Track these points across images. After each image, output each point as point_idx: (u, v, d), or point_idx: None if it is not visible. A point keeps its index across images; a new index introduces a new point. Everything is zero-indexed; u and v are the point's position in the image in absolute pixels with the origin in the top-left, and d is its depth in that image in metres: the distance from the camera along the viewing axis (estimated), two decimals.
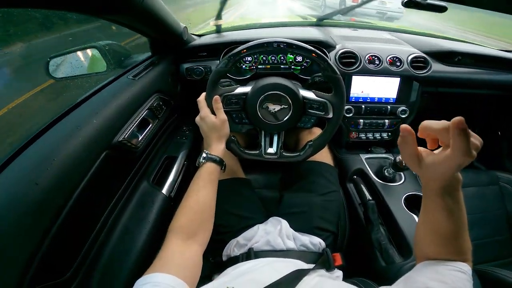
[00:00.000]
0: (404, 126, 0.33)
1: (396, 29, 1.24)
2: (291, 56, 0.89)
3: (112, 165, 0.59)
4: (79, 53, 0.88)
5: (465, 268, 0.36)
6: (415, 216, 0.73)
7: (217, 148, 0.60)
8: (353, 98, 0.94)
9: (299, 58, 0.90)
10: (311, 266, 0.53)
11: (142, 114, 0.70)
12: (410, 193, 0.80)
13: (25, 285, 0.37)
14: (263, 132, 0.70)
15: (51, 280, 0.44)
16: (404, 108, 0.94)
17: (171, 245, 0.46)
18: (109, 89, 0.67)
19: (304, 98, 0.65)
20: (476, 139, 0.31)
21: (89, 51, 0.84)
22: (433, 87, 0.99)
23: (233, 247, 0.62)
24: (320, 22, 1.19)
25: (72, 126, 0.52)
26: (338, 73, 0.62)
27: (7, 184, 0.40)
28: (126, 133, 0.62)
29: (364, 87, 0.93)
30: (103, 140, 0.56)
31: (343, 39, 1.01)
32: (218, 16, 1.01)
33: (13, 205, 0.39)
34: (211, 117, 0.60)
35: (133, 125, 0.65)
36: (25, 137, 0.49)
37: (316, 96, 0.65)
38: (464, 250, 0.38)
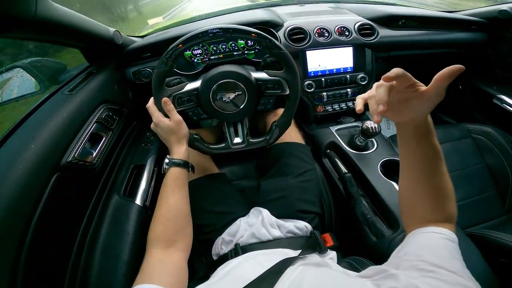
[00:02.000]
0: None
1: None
2: (242, 41, 0.86)
3: (68, 186, 0.57)
4: (5, 75, 0.78)
5: (453, 237, 0.36)
6: (394, 184, 0.73)
7: (179, 151, 0.58)
8: (312, 72, 0.94)
9: (251, 43, 0.87)
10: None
11: (90, 129, 0.65)
12: (385, 158, 0.80)
13: None
14: (225, 123, 0.67)
15: None
16: (362, 75, 0.96)
17: (152, 255, 0.46)
18: (43, 109, 0.61)
19: (257, 80, 0.63)
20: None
21: (13, 72, 0.75)
22: (385, 52, 1.01)
23: (220, 245, 0.60)
24: (266, 3, 1.17)
25: (10, 155, 0.49)
26: (283, 48, 0.60)
27: None
28: (76, 152, 0.58)
29: (320, 60, 0.93)
30: (50, 163, 0.53)
31: (291, 15, 1.00)
32: (165, 14, 0.94)
33: None
34: (165, 121, 0.58)
35: (82, 142, 0.61)
36: None
37: (269, 75, 0.63)
38: (448, 196, 0.39)
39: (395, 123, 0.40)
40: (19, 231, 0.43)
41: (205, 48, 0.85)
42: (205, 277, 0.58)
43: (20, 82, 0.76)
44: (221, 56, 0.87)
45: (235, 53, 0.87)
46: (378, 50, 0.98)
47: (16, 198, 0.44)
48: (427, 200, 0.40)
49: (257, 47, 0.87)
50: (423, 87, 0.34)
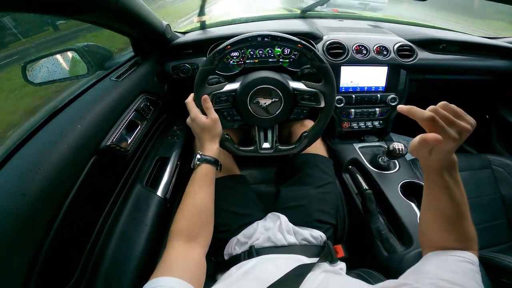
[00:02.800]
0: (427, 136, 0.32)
1: (380, 18, 1.25)
2: (279, 49, 0.88)
3: (102, 170, 0.58)
4: (57, 57, 0.83)
5: (473, 259, 0.37)
6: (412, 204, 0.74)
7: (211, 148, 0.59)
8: (343, 88, 0.94)
9: (287, 51, 0.88)
10: (314, 260, 0.53)
11: (130, 116, 0.68)
12: (406, 180, 0.80)
13: None
14: (256, 128, 0.68)
15: None
16: (393, 96, 0.95)
17: (174, 248, 0.46)
18: (92, 92, 0.64)
19: (294, 89, 0.64)
20: (467, 122, 0.33)
21: (67, 54, 0.80)
22: (420, 74, 1.00)
23: (233, 246, 0.61)
24: (304, 14, 1.19)
25: (56, 132, 0.50)
26: (326, 62, 0.61)
27: None
28: (114, 137, 0.60)
29: (353, 77, 0.93)
30: (90, 145, 0.55)
31: (329, 30, 1.01)
32: (201, 12, 0.99)
33: (3, 218, 0.38)
34: (202, 118, 0.59)
35: (121, 128, 0.63)
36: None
37: (307, 86, 0.64)
38: (470, 236, 0.39)
39: (422, 168, 0.41)
40: (52, 210, 0.44)
41: (242, 51, 0.87)
42: (210, 276, 0.59)
43: (72, 64, 0.81)
44: (256, 61, 0.89)
45: (270, 59, 0.89)
46: (413, 72, 0.97)
47: (55, 177, 0.45)
48: (447, 234, 0.40)
49: (292, 56, 0.89)
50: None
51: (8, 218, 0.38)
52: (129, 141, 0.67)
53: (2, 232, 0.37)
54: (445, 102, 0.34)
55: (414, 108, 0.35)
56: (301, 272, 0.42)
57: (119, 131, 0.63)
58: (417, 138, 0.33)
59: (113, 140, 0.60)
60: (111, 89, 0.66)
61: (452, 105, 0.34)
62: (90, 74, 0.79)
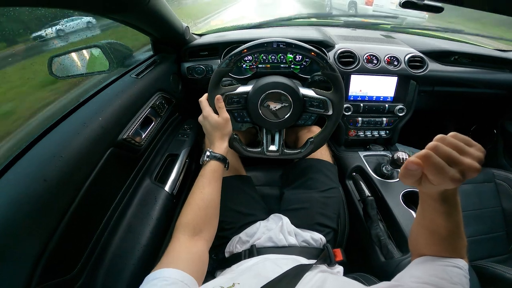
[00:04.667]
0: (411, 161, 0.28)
1: (393, 28, 1.26)
2: (291, 55, 0.90)
3: (116, 162, 0.60)
4: (81, 52, 0.88)
5: (461, 264, 0.37)
6: (413, 212, 0.75)
7: (221, 146, 0.61)
8: (352, 96, 0.95)
9: (299, 58, 0.91)
10: (313, 261, 0.54)
11: (146, 112, 0.71)
12: (408, 189, 0.82)
13: (34, 282, 0.38)
14: (264, 130, 0.71)
15: (58, 277, 0.45)
16: (401, 106, 0.96)
17: (178, 241, 0.47)
18: (113, 88, 0.68)
19: (304, 96, 0.67)
20: (475, 158, 0.27)
21: (91, 51, 0.85)
22: (429, 86, 1.01)
23: (235, 244, 0.63)
24: (319, 22, 1.21)
25: (78, 123, 0.53)
26: (337, 71, 0.63)
27: (16, 180, 0.41)
28: (130, 131, 0.63)
29: (363, 86, 0.94)
30: (109, 137, 0.57)
31: (342, 38, 1.03)
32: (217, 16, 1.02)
33: (23, 201, 0.39)
34: (214, 116, 0.61)
35: (137, 123, 0.66)
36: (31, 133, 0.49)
37: (316, 93, 0.66)
38: (460, 247, 0.38)
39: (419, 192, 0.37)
40: (69, 197, 0.45)
41: (255, 56, 0.90)
42: (210, 273, 0.60)
43: (94, 60, 0.86)
44: (268, 66, 0.92)
45: (281, 65, 0.92)
46: (423, 83, 0.98)
47: (74, 166, 0.47)
48: (439, 250, 0.39)
49: (303, 63, 0.92)
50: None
51: (28, 202, 0.39)
52: (143, 136, 0.69)
53: (20, 215, 0.38)
54: (453, 133, 0.29)
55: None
56: (299, 271, 0.44)
57: (135, 125, 0.65)
58: (403, 166, 0.28)
59: (129, 134, 0.62)
60: (130, 86, 0.69)
61: (460, 137, 0.29)
62: (111, 70, 0.84)
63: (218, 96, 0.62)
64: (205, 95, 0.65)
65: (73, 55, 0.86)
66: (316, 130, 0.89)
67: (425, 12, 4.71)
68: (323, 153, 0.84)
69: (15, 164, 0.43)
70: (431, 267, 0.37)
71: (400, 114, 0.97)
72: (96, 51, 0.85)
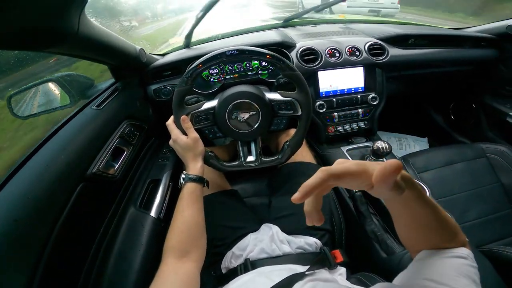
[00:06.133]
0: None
1: (352, 20, 1.29)
2: (256, 62, 0.90)
3: (91, 196, 0.60)
4: (40, 88, 0.84)
5: (465, 252, 0.34)
6: None
7: (195, 167, 0.61)
8: (323, 93, 0.96)
9: (264, 63, 0.91)
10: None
11: (114, 143, 0.69)
12: None
13: None
14: (239, 142, 0.69)
15: None
16: (373, 95, 0.98)
17: (166, 264, 0.48)
18: (73, 123, 0.65)
19: (271, 100, 0.66)
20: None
21: (48, 85, 0.81)
22: (395, 71, 1.03)
23: (230, 259, 0.61)
24: (284, 23, 1.22)
25: (41, 164, 0.53)
26: (296, 70, 0.63)
27: None
28: (100, 164, 0.62)
29: (332, 81, 0.95)
30: (76, 173, 0.57)
31: (303, 36, 1.04)
32: (188, 34, 0.99)
33: None
34: (183, 138, 0.61)
35: (106, 155, 0.65)
36: None
37: (282, 96, 0.66)
38: (454, 231, 0.36)
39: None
40: (43, 235, 0.46)
41: (221, 67, 0.89)
42: None
43: (53, 95, 0.82)
44: (236, 75, 0.91)
45: (249, 73, 0.91)
46: (388, 69, 1.00)
47: (43, 204, 0.47)
48: (430, 241, 0.37)
49: (270, 68, 0.91)
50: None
51: (1, 243, 0.39)
52: (116, 167, 0.68)
53: None
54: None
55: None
56: (288, 282, 0.42)
57: (104, 158, 0.64)
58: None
59: (99, 167, 0.61)
60: (92, 118, 0.67)
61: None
62: (73, 103, 0.80)
63: (184, 116, 0.61)
64: (171, 117, 0.64)
65: (32, 92, 0.83)
66: (293, 133, 0.89)
67: (397, 2, 4.93)
68: (305, 155, 0.83)
69: None
70: (432, 263, 0.35)
71: (374, 103, 0.98)
72: (55, 85, 0.81)
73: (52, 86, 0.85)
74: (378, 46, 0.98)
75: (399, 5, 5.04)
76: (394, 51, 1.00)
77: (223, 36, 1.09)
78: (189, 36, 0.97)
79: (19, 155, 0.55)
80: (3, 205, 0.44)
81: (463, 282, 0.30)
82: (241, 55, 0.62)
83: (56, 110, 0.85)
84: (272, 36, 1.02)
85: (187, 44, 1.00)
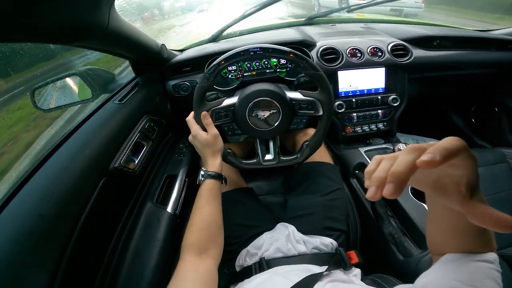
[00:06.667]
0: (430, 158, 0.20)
1: (373, 20, 1.26)
2: (275, 60, 0.89)
3: (112, 191, 0.60)
4: (63, 81, 0.86)
5: (492, 257, 0.33)
6: (424, 205, 0.71)
7: (214, 163, 0.60)
8: (343, 93, 0.94)
9: (283, 61, 0.90)
10: (326, 268, 0.52)
11: (135, 138, 0.70)
12: None
13: None
14: (257, 140, 0.69)
15: None
16: (394, 96, 0.95)
17: (185, 262, 0.48)
18: (97, 117, 0.66)
19: (291, 99, 0.65)
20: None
21: (71, 79, 0.83)
22: (418, 73, 1.00)
23: (244, 257, 0.61)
24: (298, 22, 1.20)
25: (65, 158, 0.53)
26: (320, 69, 0.61)
27: (12, 218, 0.42)
28: (122, 159, 0.63)
29: (352, 81, 0.93)
30: (99, 168, 0.57)
31: (322, 35, 1.02)
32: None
33: (22, 238, 0.40)
34: (203, 134, 0.61)
35: (127, 150, 0.66)
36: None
37: (303, 95, 0.65)
38: (486, 239, 0.33)
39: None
40: (67, 229, 0.46)
41: (239, 65, 0.89)
42: (225, 287, 0.60)
43: (77, 88, 0.84)
44: (254, 73, 0.90)
45: (267, 70, 0.90)
46: (411, 71, 0.97)
47: (68, 199, 0.47)
48: (463, 246, 0.35)
49: (289, 66, 0.90)
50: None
51: (25, 238, 0.40)
52: (136, 162, 0.69)
53: (20, 252, 0.38)
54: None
55: None
56: (308, 282, 0.42)
57: (125, 153, 0.65)
58: None
59: (120, 162, 0.62)
60: (115, 112, 0.68)
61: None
62: (95, 97, 0.82)
63: (204, 113, 0.61)
64: (191, 113, 0.64)
65: (55, 85, 0.85)
66: (312, 132, 0.87)
67: (421, 1, 4.66)
68: (323, 155, 0.82)
69: (10, 202, 0.44)
70: (459, 262, 0.33)
71: (395, 104, 0.95)
72: (76, 79, 0.83)
73: (74, 80, 0.87)
74: (402, 47, 0.96)
75: (423, 5, 4.76)
76: (418, 52, 0.97)
77: (242, 33, 1.09)
78: (222, 31, 0.98)
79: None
80: (29, 200, 0.45)
81: (491, 285, 0.30)
82: (264, 53, 0.61)
83: (78, 104, 0.87)
84: (292, 34, 1.00)
85: (215, 38, 1.00)
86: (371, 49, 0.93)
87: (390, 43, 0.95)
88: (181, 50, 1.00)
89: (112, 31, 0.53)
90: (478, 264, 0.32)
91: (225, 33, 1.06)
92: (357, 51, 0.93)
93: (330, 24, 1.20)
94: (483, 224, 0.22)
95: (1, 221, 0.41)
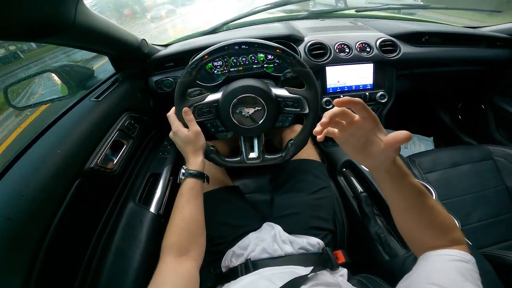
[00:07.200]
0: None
1: (362, 15, 1.24)
2: (262, 55, 0.87)
3: (89, 191, 0.58)
4: (37, 79, 0.82)
5: (468, 257, 0.34)
6: None
7: (195, 161, 0.58)
8: (331, 89, 0.93)
9: (271, 56, 0.87)
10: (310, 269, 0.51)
11: (113, 136, 0.67)
12: None
13: None
14: (242, 137, 0.67)
15: None
16: (382, 92, 0.94)
17: (165, 263, 0.47)
18: (71, 115, 0.63)
19: (277, 96, 0.63)
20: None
21: (46, 75, 0.79)
22: (406, 69, 0.99)
23: (230, 258, 0.60)
24: (287, 16, 1.18)
25: (36, 159, 0.51)
26: (307, 66, 0.60)
27: None
28: (99, 158, 0.60)
29: (340, 76, 0.92)
30: (73, 168, 0.55)
31: (311, 31, 1.00)
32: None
33: None
34: (184, 131, 0.58)
35: (105, 149, 0.63)
36: None
37: (289, 92, 0.63)
38: (449, 225, 0.38)
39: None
40: (38, 233, 0.44)
41: (225, 60, 0.86)
42: None
43: (51, 86, 0.80)
44: (241, 68, 0.88)
45: (254, 66, 0.88)
46: (399, 67, 0.96)
47: (38, 202, 0.46)
48: (423, 231, 0.39)
49: (276, 61, 0.88)
50: (381, 136, 0.35)
51: None
52: (115, 161, 0.66)
53: None
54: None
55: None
56: (291, 286, 0.41)
57: (103, 152, 0.62)
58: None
59: (97, 161, 0.59)
60: (91, 110, 0.64)
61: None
62: (72, 94, 0.78)
63: (186, 108, 0.58)
64: (173, 109, 0.61)
65: (29, 82, 0.81)
66: (299, 129, 0.86)
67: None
68: (309, 152, 0.81)
69: None
70: (434, 262, 0.35)
71: (383, 101, 0.95)
72: (53, 76, 0.79)
73: (50, 77, 0.83)
74: (390, 42, 0.94)
75: (421, 3, 4.88)
76: (406, 49, 0.96)
77: (228, 28, 1.05)
78: (224, 24, 0.95)
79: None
80: None
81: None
82: (250, 48, 0.58)
83: (54, 101, 0.83)
84: (279, 29, 0.98)
85: (208, 32, 0.98)
86: (359, 44, 0.92)
87: (378, 38, 0.94)
88: (166, 45, 0.96)
89: (80, 26, 0.50)
90: (456, 264, 0.33)
91: (209, 28, 1.03)
92: (345, 46, 0.92)
93: (319, 19, 1.18)
94: (393, 143, 0.32)
95: None
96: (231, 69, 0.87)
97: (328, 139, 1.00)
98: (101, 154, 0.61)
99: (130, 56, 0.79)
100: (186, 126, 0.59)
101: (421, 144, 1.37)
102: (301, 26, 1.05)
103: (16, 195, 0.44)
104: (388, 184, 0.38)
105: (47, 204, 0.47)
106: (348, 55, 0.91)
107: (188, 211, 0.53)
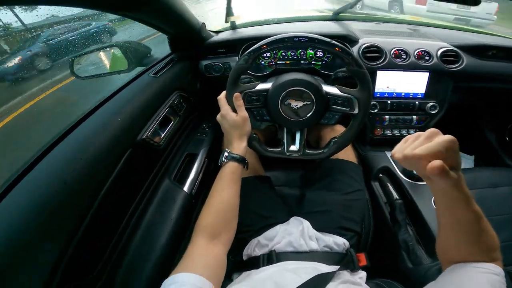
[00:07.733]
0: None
1: (422, 23, 1.17)
2: (311, 51, 0.86)
3: (136, 163, 0.60)
4: (99, 53, 0.90)
5: (497, 270, 0.34)
6: None
7: (239, 146, 0.59)
8: (378, 93, 0.89)
9: (320, 53, 0.86)
10: (334, 267, 0.51)
11: (164, 112, 0.71)
12: None
13: (53, 286, 0.38)
14: (284, 129, 0.67)
15: (78, 279, 0.45)
16: (433, 103, 0.89)
17: (197, 245, 0.46)
18: (131, 87, 0.68)
19: (327, 93, 0.62)
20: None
21: (109, 50, 0.86)
22: (465, 82, 0.92)
23: (254, 247, 0.60)
24: (336, 16, 1.14)
25: (97, 124, 0.53)
26: (364, 67, 0.58)
27: (36, 183, 0.41)
28: (149, 131, 0.63)
29: (390, 82, 0.88)
30: (128, 138, 0.57)
31: (366, 33, 0.96)
32: (229, 12, 0.98)
33: (44, 204, 0.39)
34: (232, 115, 0.59)
35: (155, 123, 0.66)
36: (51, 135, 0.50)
37: (341, 91, 0.62)
38: (492, 246, 0.36)
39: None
40: (90, 195, 0.46)
41: (274, 52, 0.87)
42: (227, 275, 0.58)
43: (114, 59, 0.87)
44: (288, 62, 0.88)
45: (302, 61, 0.87)
46: (458, 79, 0.89)
47: (93, 167, 0.47)
48: (468, 248, 0.38)
49: (325, 59, 0.87)
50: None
51: (47, 205, 0.39)
52: (162, 136, 0.69)
53: (39, 218, 0.38)
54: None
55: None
56: (319, 281, 0.41)
57: (153, 125, 0.65)
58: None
59: (148, 134, 0.62)
60: (148, 85, 0.69)
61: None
62: (130, 69, 0.84)
63: (237, 94, 0.60)
64: (224, 92, 0.62)
65: (93, 55, 0.88)
66: (339, 129, 0.84)
67: (493, 13, 4.03)
68: (348, 153, 0.79)
69: (35, 166, 0.43)
70: (464, 276, 0.34)
71: (432, 112, 0.89)
72: (116, 51, 0.85)
73: (112, 51, 0.90)
74: (453, 53, 0.88)
75: (495, 16, 4.09)
76: (469, 61, 0.89)
77: (279, 21, 1.06)
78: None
79: None
80: (56, 165, 0.43)
81: None
82: (309, 42, 0.58)
83: (113, 74, 0.90)
84: (334, 27, 0.96)
85: (234, 25, 0.98)
86: (418, 51, 0.87)
87: (440, 47, 0.88)
88: (217, 32, 0.99)
89: (164, 4, 0.53)
90: (485, 275, 0.34)
91: (262, 19, 1.04)
92: (402, 52, 0.87)
93: (374, 23, 1.13)
94: (430, 172, 0.31)
95: (24, 185, 0.40)
96: (279, 62, 0.87)
97: (366, 143, 0.97)
98: (152, 127, 0.64)
99: (190, 38, 0.82)
100: (234, 110, 0.60)
101: (461, 162, 1.27)
102: (355, 27, 1.01)
103: (75, 159, 0.45)
104: (443, 206, 0.37)
105: (100, 170, 0.48)
106: (405, 62, 0.86)
107: (226, 195, 0.53)
